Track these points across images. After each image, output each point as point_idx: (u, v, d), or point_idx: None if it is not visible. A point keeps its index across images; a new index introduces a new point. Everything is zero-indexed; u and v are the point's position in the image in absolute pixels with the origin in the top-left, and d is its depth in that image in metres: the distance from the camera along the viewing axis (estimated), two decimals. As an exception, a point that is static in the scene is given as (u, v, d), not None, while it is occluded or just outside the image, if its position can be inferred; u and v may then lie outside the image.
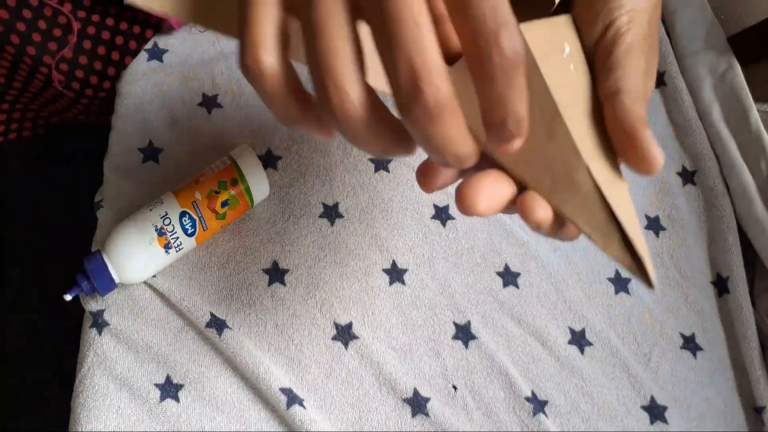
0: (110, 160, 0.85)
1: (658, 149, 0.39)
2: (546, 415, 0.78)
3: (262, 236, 0.83)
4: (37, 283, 1.14)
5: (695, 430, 0.82)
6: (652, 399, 0.82)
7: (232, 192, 0.77)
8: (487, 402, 0.78)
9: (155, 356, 0.74)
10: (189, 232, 0.74)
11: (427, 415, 0.76)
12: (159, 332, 0.75)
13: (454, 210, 0.88)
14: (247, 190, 0.78)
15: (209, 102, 0.90)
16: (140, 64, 0.91)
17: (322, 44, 0.30)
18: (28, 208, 1.20)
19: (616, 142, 0.41)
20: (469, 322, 0.82)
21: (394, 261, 0.84)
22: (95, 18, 0.89)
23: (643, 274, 0.35)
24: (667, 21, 1.10)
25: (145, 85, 0.89)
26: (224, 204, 0.76)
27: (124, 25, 0.91)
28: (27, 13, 0.83)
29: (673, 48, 1.06)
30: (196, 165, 0.85)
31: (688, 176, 0.98)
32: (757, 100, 0.98)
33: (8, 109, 0.95)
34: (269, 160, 0.87)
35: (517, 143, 0.32)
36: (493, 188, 0.39)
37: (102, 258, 0.71)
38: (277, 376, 0.74)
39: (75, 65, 0.88)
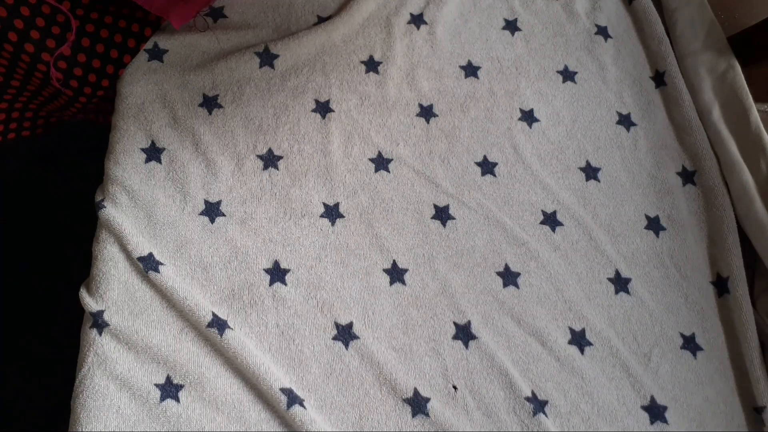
0: (112, 160, 0.84)
1: None
2: (546, 415, 0.78)
3: (263, 236, 0.82)
4: (36, 282, 1.14)
5: (695, 430, 0.82)
6: (652, 399, 0.82)
7: None
8: (487, 402, 0.78)
9: (155, 357, 0.74)
10: None
11: (427, 415, 0.76)
12: (159, 333, 0.75)
13: (454, 210, 0.88)
14: None
15: (210, 102, 0.89)
16: (141, 64, 0.91)
17: None
18: (27, 207, 1.19)
19: None
20: (469, 322, 0.82)
21: (394, 261, 0.84)
22: (94, 16, 0.88)
23: None
24: (667, 21, 1.10)
25: (146, 85, 0.89)
26: None
27: (122, 23, 0.90)
28: (25, 11, 0.82)
29: (673, 48, 1.06)
30: (199, 165, 0.85)
31: (688, 176, 0.98)
32: (757, 100, 0.98)
33: (7, 108, 0.95)
34: (270, 160, 0.87)
35: None
36: None
37: None
38: (277, 376, 0.74)
39: (73, 63, 0.88)
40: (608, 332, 0.85)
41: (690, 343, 0.87)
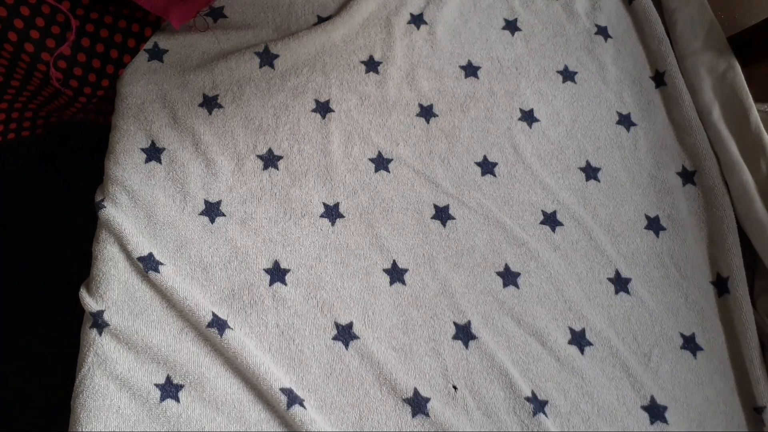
0: (112, 160, 0.84)
1: None
2: (546, 415, 0.78)
3: (263, 236, 0.82)
4: (36, 282, 1.14)
5: (695, 431, 0.82)
6: (652, 399, 0.82)
7: None
8: (487, 402, 0.78)
9: (155, 357, 0.74)
10: None
11: (427, 415, 0.76)
12: (159, 333, 0.75)
13: (454, 210, 0.88)
14: None
15: (210, 102, 0.89)
16: (141, 64, 0.91)
17: None
18: (27, 207, 1.19)
19: None
20: (469, 322, 0.82)
21: (394, 261, 0.84)
22: (94, 15, 0.88)
23: None
24: (667, 21, 1.10)
25: (146, 85, 0.89)
26: None
27: (122, 23, 0.90)
28: (25, 11, 0.82)
29: (673, 48, 1.06)
30: (199, 165, 0.85)
31: (688, 176, 0.98)
32: (757, 100, 0.98)
33: (7, 108, 0.95)
34: (270, 160, 0.87)
35: None
36: None
37: None
38: (277, 376, 0.74)
39: (73, 63, 0.88)
40: (608, 332, 0.85)
41: (690, 343, 0.87)
